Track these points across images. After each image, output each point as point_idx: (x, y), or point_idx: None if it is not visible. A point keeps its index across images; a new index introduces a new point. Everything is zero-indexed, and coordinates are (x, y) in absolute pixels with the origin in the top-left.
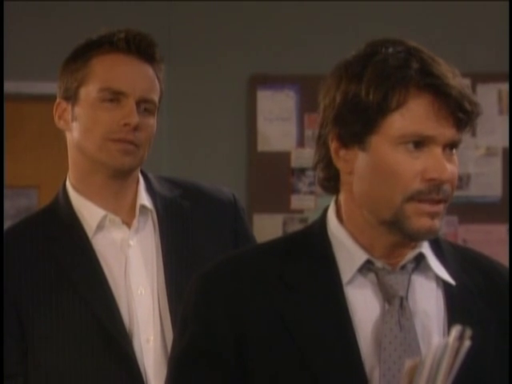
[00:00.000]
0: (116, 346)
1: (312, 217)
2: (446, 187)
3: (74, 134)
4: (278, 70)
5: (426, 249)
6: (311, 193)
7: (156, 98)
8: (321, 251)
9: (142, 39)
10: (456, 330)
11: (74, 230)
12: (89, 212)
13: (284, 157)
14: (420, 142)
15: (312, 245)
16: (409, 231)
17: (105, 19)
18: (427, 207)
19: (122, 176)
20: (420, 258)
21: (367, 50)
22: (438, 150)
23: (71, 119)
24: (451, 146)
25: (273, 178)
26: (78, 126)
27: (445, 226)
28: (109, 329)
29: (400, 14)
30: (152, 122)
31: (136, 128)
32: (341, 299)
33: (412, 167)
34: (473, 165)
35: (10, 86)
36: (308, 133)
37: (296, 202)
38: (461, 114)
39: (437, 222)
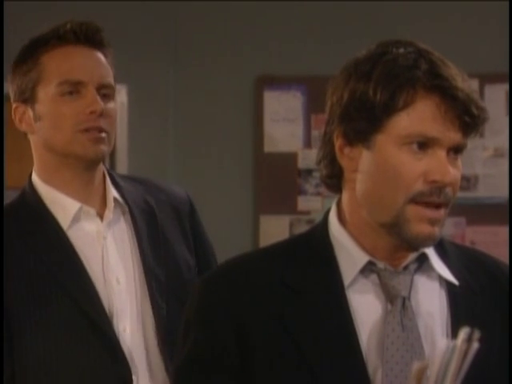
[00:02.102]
0: (98, 329)
1: (319, 218)
2: (448, 190)
3: (39, 133)
4: (285, 70)
5: (428, 249)
6: (318, 194)
7: (113, 82)
8: (322, 254)
9: (88, 27)
10: (464, 332)
11: (47, 224)
12: (63, 204)
13: (291, 158)
14: (424, 144)
15: (314, 247)
16: (407, 236)
17: (110, 19)
18: (428, 212)
19: (93, 166)
20: (423, 259)
21: (378, 50)
22: (442, 153)
23: (34, 120)
24: (456, 149)
25: (279, 179)
26: (43, 125)
27: (452, 227)
28: (90, 314)
29: (406, 15)
30: (113, 105)
31: (101, 114)
32: (343, 301)
33: (415, 168)
34: (481, 166)
35: None
36: (315, 134)
37: (303, 203)
38: (467, 118)
39: (436, 229)
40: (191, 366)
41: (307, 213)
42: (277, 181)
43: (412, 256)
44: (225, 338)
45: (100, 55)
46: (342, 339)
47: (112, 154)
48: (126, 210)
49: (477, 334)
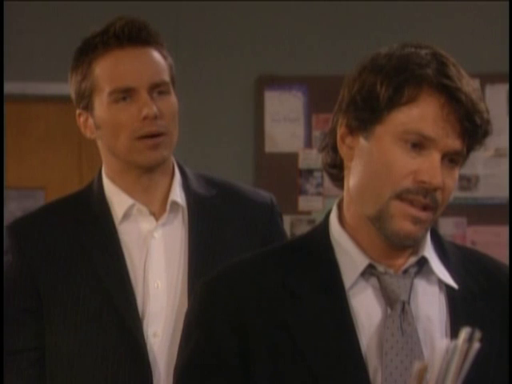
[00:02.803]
0: (127, 330)
1: (319, 218)
2: (437, 195)
3: (103, 140)
4: (286, 70)
5: (429, 252)
6: (319, 194)
7: (166, 77)
8: (323, 256)
9: (133, 26)
10: (465, 332)
11: (102, 216)
12: (118, 200)
13: (291, 158)
14: (420, 144)
15: (314, 250)
16: (388, 231)
17: (112, 19)
18: (412, 210)
19: (154, 170)
20: (423, 262)
21: (397, 47)
22: (436, 156)
23: (95, 127)
24: (453, 157)
25: (280, 179)
26: (103, 133)
27: (453, 227)
28: (122, 313)
29: (407, 16)
30: (171, 100)
31: (156, 117)
32: (343, 304)
33: (406, 165)
34: (481, 166)
35: (16, 87)
36: (316, 134)
37: (304, 203)
38: (468, 124)
39: (418, 229)
40: (193, 368)
41: (308, 213)
42: (278, 181)
43: (412, 259)
44: (225, 340)
45: (149, 51)
46: (342, 342)
47: None
48: (186, 212)
49: (478, 334)
